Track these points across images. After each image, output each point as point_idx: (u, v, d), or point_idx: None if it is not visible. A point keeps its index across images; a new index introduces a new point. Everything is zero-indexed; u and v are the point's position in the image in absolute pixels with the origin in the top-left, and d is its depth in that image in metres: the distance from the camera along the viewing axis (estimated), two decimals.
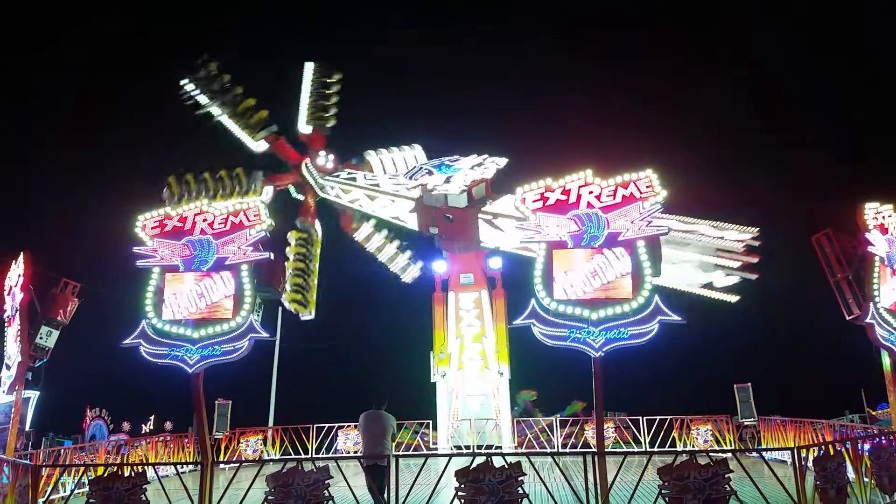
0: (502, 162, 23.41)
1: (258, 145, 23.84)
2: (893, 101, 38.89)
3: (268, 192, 23.46)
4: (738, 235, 17.94)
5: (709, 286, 18.16)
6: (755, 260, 17.73)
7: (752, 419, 21.22)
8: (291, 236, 23.04)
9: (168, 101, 24.53)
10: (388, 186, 24.91)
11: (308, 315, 23.00)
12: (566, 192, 10.95)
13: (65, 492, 12.80)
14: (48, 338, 16.44)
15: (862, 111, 40.94)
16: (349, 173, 25.41)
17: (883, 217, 13.58)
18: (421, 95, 43.73)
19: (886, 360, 13.39)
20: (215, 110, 23.49)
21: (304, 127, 24.48)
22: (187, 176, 22.85)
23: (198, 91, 23.33)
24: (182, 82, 23.33)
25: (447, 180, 23.27)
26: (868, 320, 13.05)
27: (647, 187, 10.65)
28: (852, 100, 41.98)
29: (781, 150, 40.14)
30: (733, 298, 17.75)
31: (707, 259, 18.03)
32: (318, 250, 24.28)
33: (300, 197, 24.83)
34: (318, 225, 24.73)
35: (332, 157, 24.82)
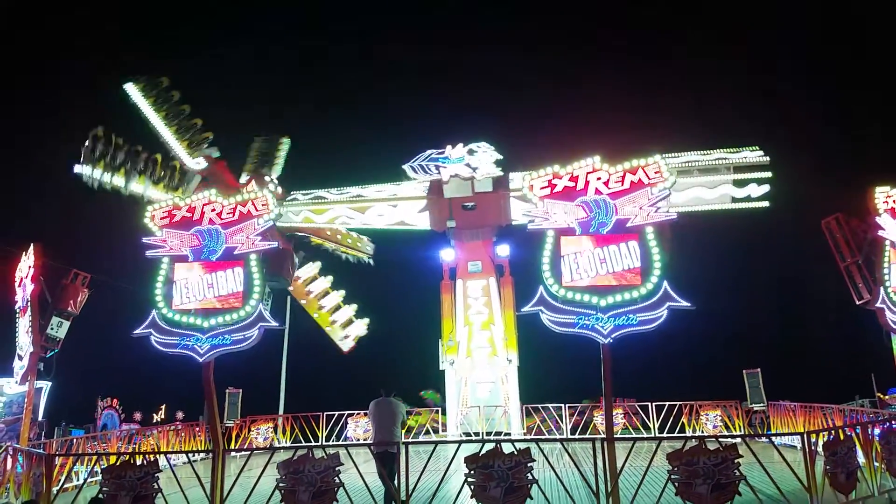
0: (489, 149, 23.96)
1: (196, 162, 23.60)
2: None
3: None
4: (742, 154, 20.92)
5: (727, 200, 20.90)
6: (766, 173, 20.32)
7: (761, 404, 21.21)
8: None
9: None
10: (374, 194, 25.22)
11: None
12: (574, 178, 10.88)
13: (78, 480, 12.93)
14: (59, 328, 16.56)
15: (871, 94, 40.59)
16: (313, 196, 25.66)
17: (894, 201, 13.47)
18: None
19: None
20: (156, 120, 23.14)
21: (242, 177, 24.96)
22: (118, 139, 22.80)
23: (142, 97, 22.99)
24: (126, 84, 22.92)
25: (469, 166, 23.55)
26: (878, 305, 13.01)
27: (656, 173, 10.58)
28: (862, 83, 41.64)
29: (790, 132, 39.79)
30: (764, 204, 20.29)
31: (714, 178, 20.89)
32: None
33: None
34: None
35: (279, 188, 25.12)
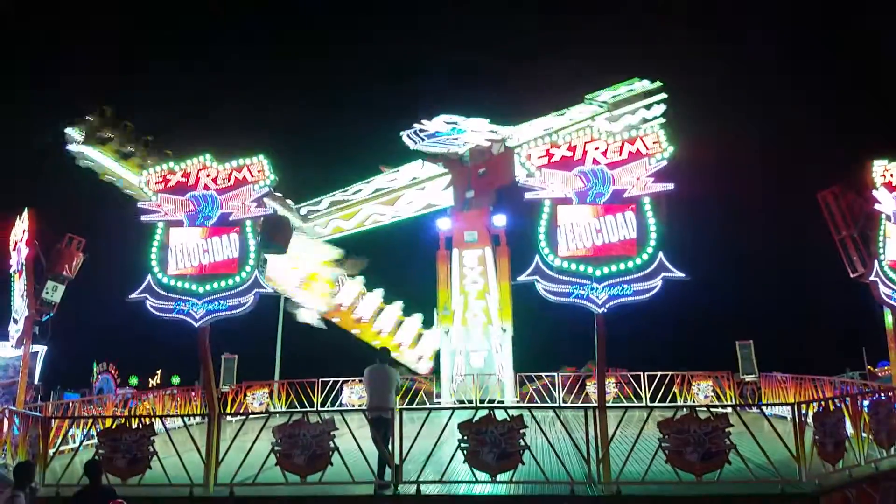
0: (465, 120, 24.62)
1: None
2: None
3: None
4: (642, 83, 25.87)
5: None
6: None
7: (753, 375, 21.38)
8: None
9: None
10: (399, 183, 25.23)
11: None
12: (572, 148, 10.84)
13: (74, 443, 13.02)
14: (54, 292, 16.54)
15: (869, 69, 40.32)
16: (329, 203, 25.72)
17: (891, 174, 13.47)
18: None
19: (889, 318, 13.45)
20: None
21: None
22: (129, 123, 22.46)
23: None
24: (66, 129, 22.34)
25: (492, 132, 24.00)
26: (872, 278, 13.06)
27: (654, 143, 10.55)
28: (860, 57, 41.33)
29: (788, 107, 39.61)
30: (662, 120, 24.02)
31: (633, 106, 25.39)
32: None
33: None
34: None
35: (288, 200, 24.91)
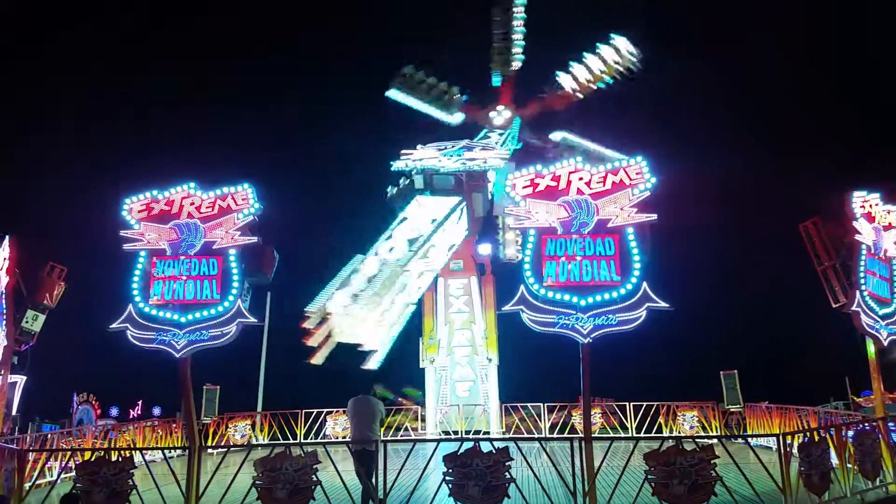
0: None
1: (455, 118, 26.71)
2: (883, 90, 39.02)
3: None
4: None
5: None
6: None
7: (738, 405, 21.39)
8: None
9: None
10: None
11: None
12: (556, 178, 10.93)
13: (51, 476, 12.76)
14: (34, 322, 16.33)
15: (852, 101, 41.01)
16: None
17: (870, 206, 13.62)
18: None
19: (871, 348, 13.49)
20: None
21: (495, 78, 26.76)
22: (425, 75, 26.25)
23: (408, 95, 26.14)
24: (389, 93, 26.00)
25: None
26: (854, 308, 13.13)
27: (637, 174, 10.66)
28: (842, 89, 42.07)
29: (770, 137, 40.17)
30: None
31: None
32: None
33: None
34: None
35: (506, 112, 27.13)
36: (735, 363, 21.98)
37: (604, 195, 10.72)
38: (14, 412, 21.14)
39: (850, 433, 11.52)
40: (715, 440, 12.02)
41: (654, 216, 10.59)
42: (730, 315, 36.91)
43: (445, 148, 24.57)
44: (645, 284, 10.35)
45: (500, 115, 26.85)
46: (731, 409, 21.54)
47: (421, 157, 24.46)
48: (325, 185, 41.39)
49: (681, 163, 23.64)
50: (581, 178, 10.85)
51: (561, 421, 22.69)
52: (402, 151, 24.63)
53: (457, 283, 24.60)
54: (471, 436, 19.55)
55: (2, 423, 16.58)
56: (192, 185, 11.58)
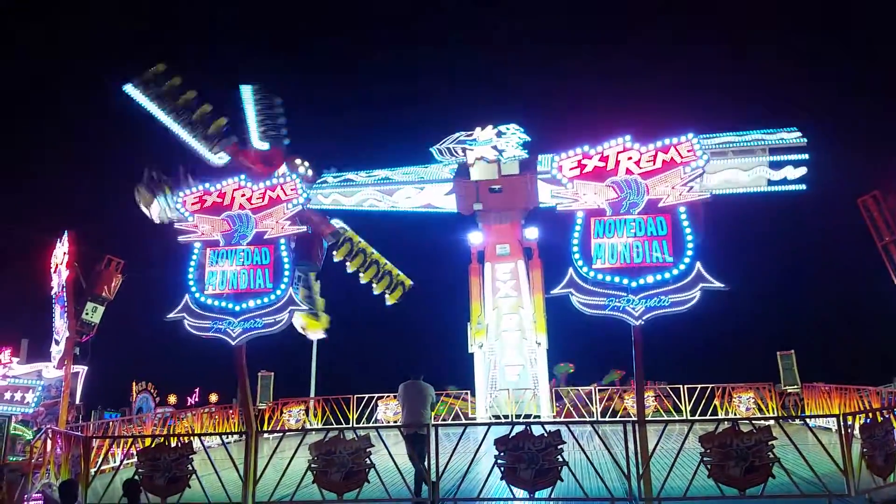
0: (518, 130, 24.18)
1: (218, 157, 22.79)
2: None
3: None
4: (779, 135, 20.52)
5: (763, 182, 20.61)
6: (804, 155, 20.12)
7: (795, 386, 20.94)
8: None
9: None
10: (401, 177, 25.32)
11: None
12: (604, 158, 10.72)
13: (114, 462, 13.18)
14: (94, 313, 16.90)
15: None
16: (343, 178, 25.74)
17: None
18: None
19: None
20: (167, 119, 22.29)
21: (258, 143, 23.72)
22: (176, 78, 22.28)
23: (147, 95, 22.15)
24: (126, 86, 22.07)
25: (495, 149, 23.65)
26: None
27: (689, 151, 10.39)
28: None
29: (826, 107, 38.83)
30: (801, 187, 20.14)
31: (749, 159, 20.52)
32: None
33: None
34: None
35: (310, 170, 24.95)
36: (792, 343, 21.50)
37: (654, 174, 10.47)
38: (77, 401, 21.93)
39: None
40: (772, 421, 11.79)
41: (708, 194, 10.34)
42: (787, 294, 36.04)
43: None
44: (699, 264, 10.10)
45: (305, 169, 24.76)
46: (789, 391, 21.12)
47: None
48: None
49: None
50: (630, 158, 10.61)
51: (612, 405, 22.51)
52: None
53: (504, 268, 24.52)
54: (521, 420, 19.56)
55: (67, 412, 17.22)
56: (243, 177, 11.77)
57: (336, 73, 49.02)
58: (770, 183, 20.24)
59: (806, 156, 20.23)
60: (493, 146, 24.19)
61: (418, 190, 25.57)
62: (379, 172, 26.19)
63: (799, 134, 20.74)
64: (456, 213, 25.49)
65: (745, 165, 20.71)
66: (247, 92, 23.75)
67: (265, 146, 23.78)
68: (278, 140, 23.99)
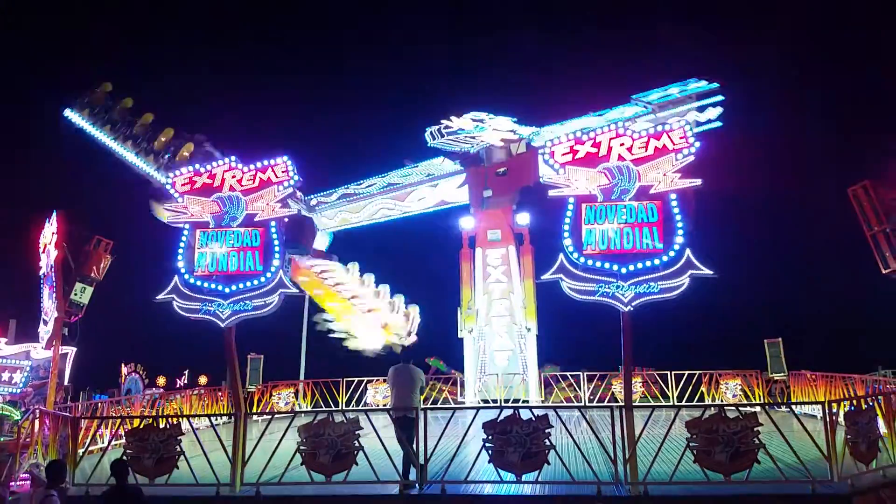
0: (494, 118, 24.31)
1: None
2: None
3: None
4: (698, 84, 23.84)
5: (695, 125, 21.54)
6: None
7: (782, 374, 21.11)
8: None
9: None
10: (410, 178, 25.24)
11: None
12: (596, 144, 10.73)
13: (103, 443, 13.18)
14: (82, 294, 16.79)
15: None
16: (340, 195, 25.51)
17: None
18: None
19: None
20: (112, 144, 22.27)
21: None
22: (127, 101, 22.16)
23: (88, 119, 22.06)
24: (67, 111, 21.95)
25: (510, 132, 23.73)
26: None
27: (681, 139, 10.41)
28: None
29: (818, 99, 38.90)
30: (719, 124, 23.20)
31: (683, 108, 23.57)
32: None
33: None
34: None
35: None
36: (779, 331, 21.64)
37: (646, 161, 10.48)
38: (66, 382, 21.89)
39: None
40: (758, 408, 11.89)
41: (699, 181, 10.35)
42: (775, 282, 36.30)
43: (482, 121, 24.34)
44: (688, 251, 10.15)
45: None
46: (775, 378, 21.28)
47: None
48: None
49: (725, 126, 23.10)
50: (622, 144, 10.62)
51: (601, 390, 22.64)
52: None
53: (495, 253, 24.52)
54: (510, 404, 19.65)
55: (55, 393, 17.18)
56: (234, 158, 11.69)
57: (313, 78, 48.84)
58: (698, 124, 22.75)
59: (721, 97, 23.51)
60: (510, 130, 24.37)
61: (432, 188, 25.48)
62: (376, 181, 26.08)
63: (709, 82, 23.88)
64: (468, 205, 25.28)
65: (681, 113, 23.53)
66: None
67: None
68: None
